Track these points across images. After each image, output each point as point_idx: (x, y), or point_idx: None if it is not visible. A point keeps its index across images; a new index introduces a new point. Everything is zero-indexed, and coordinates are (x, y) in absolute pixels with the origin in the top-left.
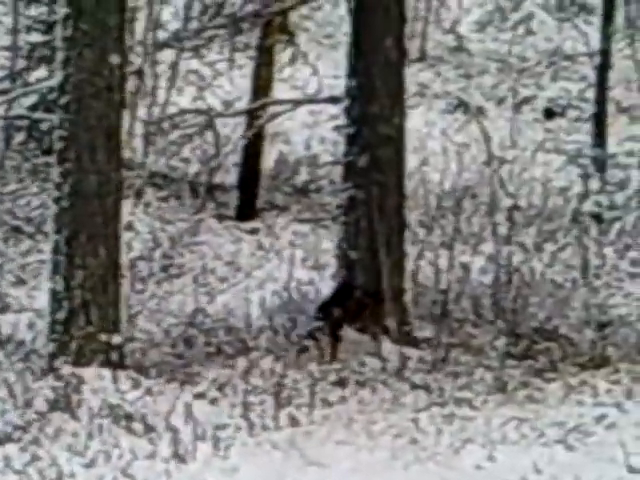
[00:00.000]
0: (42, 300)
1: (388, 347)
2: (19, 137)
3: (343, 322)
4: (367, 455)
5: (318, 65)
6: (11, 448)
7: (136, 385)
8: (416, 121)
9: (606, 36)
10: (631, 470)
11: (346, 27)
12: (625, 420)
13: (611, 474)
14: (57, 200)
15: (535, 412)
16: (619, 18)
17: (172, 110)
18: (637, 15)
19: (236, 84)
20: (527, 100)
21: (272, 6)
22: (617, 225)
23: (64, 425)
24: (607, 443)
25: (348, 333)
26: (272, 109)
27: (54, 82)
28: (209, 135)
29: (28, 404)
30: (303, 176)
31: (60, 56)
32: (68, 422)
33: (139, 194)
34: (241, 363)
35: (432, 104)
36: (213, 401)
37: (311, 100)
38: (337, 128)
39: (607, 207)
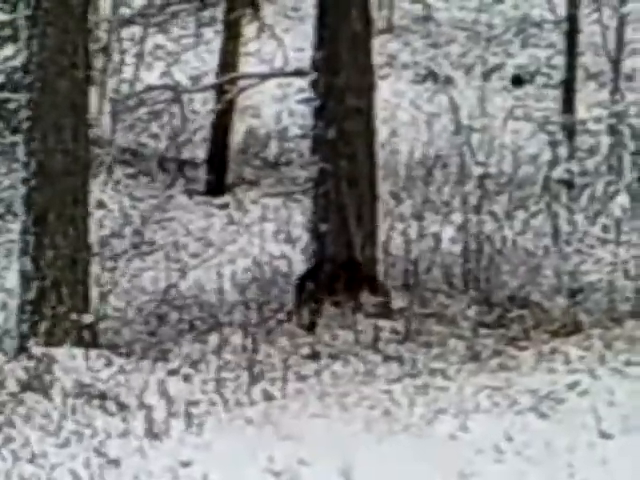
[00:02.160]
0: (13, 280)
1: (361, 319)
2: None
3: (317, 295)
4: (341, 428)
5: (285, 38)
6: None
7: (109, 363)
8: (385, 92)
9: (573, 2)
10: (603, 435)
11: None
12: (597, 386)
13: (583, 440)
14: (25, 180)
15: (508, 380)
16: None
17: (140, 87)
18: None
19: (203, 59)
20: (496, 68)
21: None
22: (587, 191)
23: (37, 406)
24: (579, 409)
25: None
26: (240, 83)
27: (19, 62)
28: (177, 110)
29: (0, 385)
30: (273, 150)
31: (24, 35)
32: (41, 402)
33: (109, 171)
34: (214, 339)
35: (401, 74)
36: (186, 377)
37: (278, 74)
38: (302, 101)
39: (577, 173)
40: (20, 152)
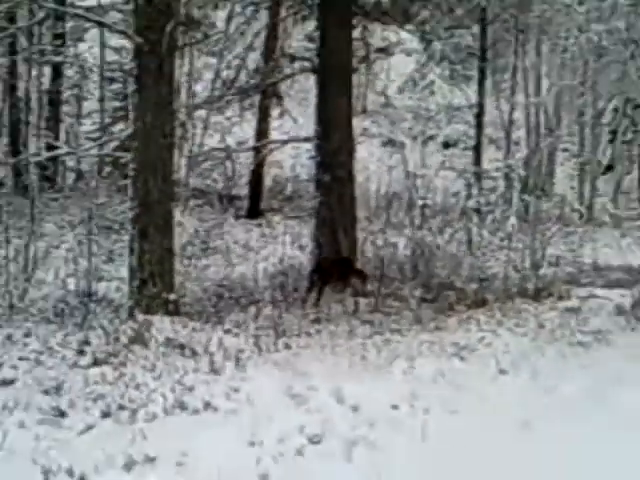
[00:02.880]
0: (124, 272)
1: (347, 297)
2: (107, 168)
3: (319, 282)
4: (334, 368)
5: (298, 117)
6: (106, 368)
7: (186, 326)
8: (361, 152)
9: (480, 95)
10: (501, 372)
11: (314, 92)
12: (497, 341)
13: (488, 375)
14: (132, 208)
15: (440, 337)
16: (488, 83)
17: (205, 148)
18: (500, 80)
19: (245, 130)
20: (431, 137)
21: (267, 80)
22: (490, 215)
23: (140, 352)
24: (485, 355)
25: (323, 289)
26: (269, 146)
27: (129, 132)
28: (229, 164)
29: (117, 339)
30: (290, 189)
31: (132, 115)
32: (143, 350)
33: (185, 203)
34: (252, 310)
35: (371, 141)
36: (235, 335)
37: (293, 140)
38: (311, 157)
39: (483, 204)
40: (129, 190)
